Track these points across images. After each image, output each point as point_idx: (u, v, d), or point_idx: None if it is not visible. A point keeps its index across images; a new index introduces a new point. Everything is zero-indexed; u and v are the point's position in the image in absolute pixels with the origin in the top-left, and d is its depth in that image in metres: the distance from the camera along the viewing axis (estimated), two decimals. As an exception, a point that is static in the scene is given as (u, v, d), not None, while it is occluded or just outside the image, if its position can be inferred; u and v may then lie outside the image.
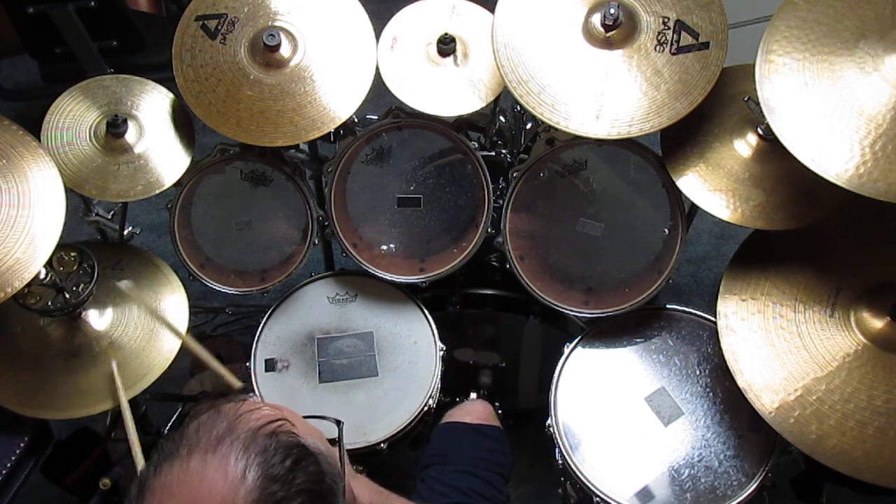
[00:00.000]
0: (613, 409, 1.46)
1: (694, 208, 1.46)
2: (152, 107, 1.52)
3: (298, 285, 1.65)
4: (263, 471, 0.69)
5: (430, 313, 1.60)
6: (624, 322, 1.54)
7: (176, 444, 0.71)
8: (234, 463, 0.69)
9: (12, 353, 1.41)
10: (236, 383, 1.12)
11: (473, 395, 1.67)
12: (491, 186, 1.50)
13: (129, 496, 0.70)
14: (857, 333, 1.26)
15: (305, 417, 0.84)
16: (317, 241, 1.59)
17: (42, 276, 1.30)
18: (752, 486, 1.35)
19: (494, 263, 1.63)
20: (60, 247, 1.29)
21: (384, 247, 1.64)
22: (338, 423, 0.86)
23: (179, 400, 1.84)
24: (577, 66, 1.30)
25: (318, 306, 1.62)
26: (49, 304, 1.34)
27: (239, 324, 2.00)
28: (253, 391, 1.29)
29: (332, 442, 0.83)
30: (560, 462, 1.43)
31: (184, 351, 1.45)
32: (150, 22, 2.51)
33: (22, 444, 1.46)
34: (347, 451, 0.85)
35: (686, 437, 1.41)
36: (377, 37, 1.47)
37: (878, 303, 1.26)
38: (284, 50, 1.43)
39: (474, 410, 1.48)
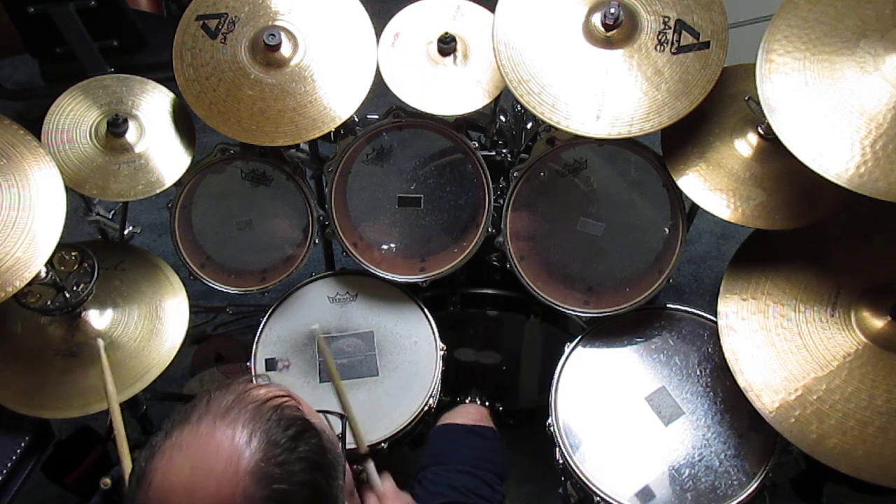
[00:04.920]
0: (614, 408, 1.46)
1: (694, 208, 1.46)
2: (153, 106, 1.52)
3: (299, 285, 1.65)
4: (267, 437, 0.73)
5: (431, 313, 1.60)
6: (624, 322, 1.54)
7: (187, 412, 0.76)
8: (241, 428, 0.73)
9: (12, 353, 1.41)
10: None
11: (476, 400, 1.68)
12: (491, 186, 1.50)
13: (139, 458, 0.74)
14: (858, 333, 1.26)
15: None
16: (317, 241, 1.59)
17: (43, 275, 1.30)
18: (753, 486, 1.35)
19: (495, 263, 1.63)
20: (61, 246, 1.29)
21: (385, 246, 1.64)
22: (341, 416, 0.90)
23: (179, 399, 1.84)
24: (577, 65, 1.30)
25: (318, 306, 1.62)
26: (49, 303, 1.34)
27: (239, 323, 2.00)
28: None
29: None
30: (560, 462, 1.43)
31: (184, 351, 1.45)
32: (151, 21, 2.51)
33: (23, 444, 1.46)
34: (347, 451, 0.87)
35: (686, 437, 1.41)
36: (378, 36, 1.47)
37: (878, 302, 1.26)
38: (285, 49, 1.43)
39: (469, 413, 1.49)
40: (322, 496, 0.76)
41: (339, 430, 0.89)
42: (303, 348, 1.56)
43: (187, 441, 0.73)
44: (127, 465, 1.23)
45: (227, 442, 0.72)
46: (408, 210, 1.61)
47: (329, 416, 0.88)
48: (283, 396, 0.79)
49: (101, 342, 1.38)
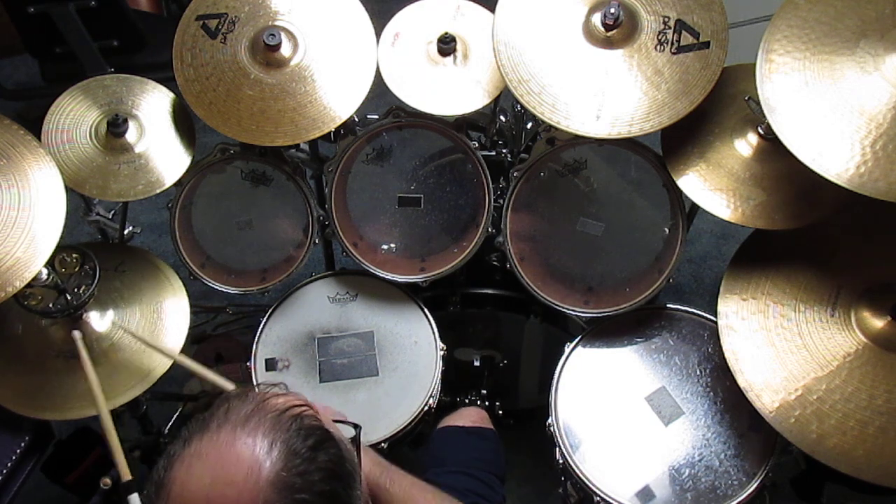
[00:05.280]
0: (614, 408, 1.46)
1: (694, 208, 1.46)
2: (153, 106, 1.52)
3: (299, 285, 1.65)
4: (288, 447, 0.73)
5: (431, 313, 1.60)
6: (624, 322, 1.54)
7: (206, 421, 0.75)
8: (261, 437, 0.73)
9: (14, 354, 1.41)
10: (229, 386, 1.13)
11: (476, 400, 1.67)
12: (491, 186, 1.50)
13: (157, 467, 0.74)
14: (858, 333, 1.26)
15: None
16: (317, 241, 1.59)
17: (44, 277, 1.30)
18: (753, 486, 1.35)
19: (495, 263, 1.63)
20: (62, 248, 1.28)
21: (385, 246, 1.64)
22: (355, 426, 0.89)
23: (179, 399, 1.84)
24: (577, 65, 1.30)
25: (318, 306, 1.62)
26: (51, 305, 1.34)
27: (239, 323, 2.00)
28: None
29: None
30: (560, 462, 1.43)
31: (184, 351, 1.45)
32: (151, 21, 2.51)
33: (23, 444, 1.46)
34: None
35: (686, 437, 1.41)
36: (378, 36, 1.47)
37: (878, 302, 1.26)
38: (285, 49, 1.43)
39: (469, 414, 1.49)
40: None
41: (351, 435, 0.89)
42: (303, 348, 1.56)
43: (207, 450, 0.72)
44: (121, 462, 1.22)
45: (247, 451, 0.72)
46: (408, 210, 1.61)
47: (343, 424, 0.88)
48: (302, 406, 0.79)
49: (77, 334, 1.36)
